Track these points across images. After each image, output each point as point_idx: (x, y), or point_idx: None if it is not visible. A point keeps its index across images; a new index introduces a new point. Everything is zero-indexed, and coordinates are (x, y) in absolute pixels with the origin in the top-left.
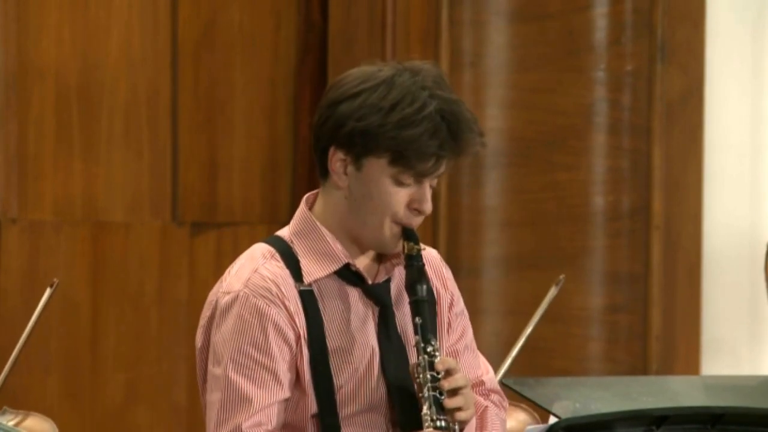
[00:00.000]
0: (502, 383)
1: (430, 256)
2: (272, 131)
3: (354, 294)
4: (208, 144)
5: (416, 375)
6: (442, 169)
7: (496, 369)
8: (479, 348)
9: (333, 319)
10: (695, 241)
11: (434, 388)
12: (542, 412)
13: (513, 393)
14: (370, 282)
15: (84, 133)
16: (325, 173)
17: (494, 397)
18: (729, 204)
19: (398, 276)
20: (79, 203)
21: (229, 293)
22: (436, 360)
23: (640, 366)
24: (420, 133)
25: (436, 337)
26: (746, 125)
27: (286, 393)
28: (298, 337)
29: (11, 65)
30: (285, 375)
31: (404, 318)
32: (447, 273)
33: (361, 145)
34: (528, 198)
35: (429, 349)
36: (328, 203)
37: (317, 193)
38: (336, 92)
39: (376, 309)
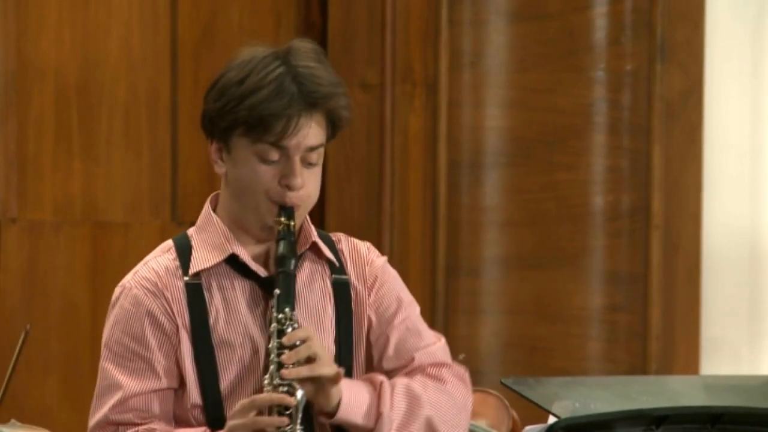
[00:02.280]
0: (502, 383)
1: (355, 250)
2: None
3: (246, 287)
4: (207, 144)
5: (268, 343)
6: (303, 133)
7: None
8: (479, 347)
9: (219, 311)
10: (695, 240)
11: (278, 355)
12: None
13: (513, 393)
14: (262, 274)
15: (84, 132)
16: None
17: (430, 370)
18: (729, 204)
19: (305, 269)
20: (79, 203)
21: (120, 286)
22: (288, 330)
23: (639, 366)
24: (264, 96)
25: (293, 309)
26: (746, 125)
27: (163, 383)
28: (177, 329)
29: (11, 65)
30: (161, 365)
31: (306, 311)
32: (372, 266)
33: (220, 126)
34: (528, 198)
35: (280, 317)
36: (221, 197)
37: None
38: (207, 89)
39: (269, 302)
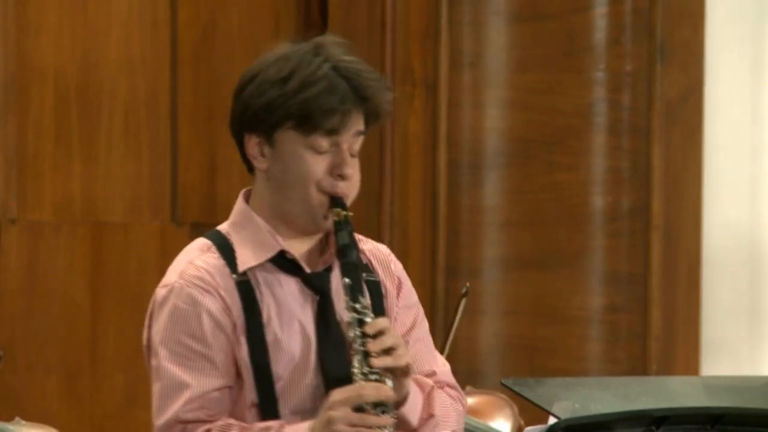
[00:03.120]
0: (502, 384)
1: (377, 250)
2: None
3: (292, 283)
4: (207, 144)
5: (348, 335)
6: (354, 127)
7: None
8: (479, 348)
9: (270, 309)
10: (695, 241)
11: (363, 344)
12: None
13: (513, 393)
14: (308, 270)
15: (83, 133)
16: (250, 165)
17: (449, 390)
18: (728, 204)
19: (339, 266)
20: (79, 204)
21: (165, 287)
22: (366, 319)
23: (639, 366)
24: (318, 92)
25: (365, 297)
26: (746, 125)
27: (225, 380)
28: (234, 327)
29: (11, 65)
30: (222, 363)
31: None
32: (395, 266)
33: (266, 121)
34: (527, 198)
35: (357, 306)
36: (257, 193)
37: (249, 190)
38: (238, 84)
39: (315, 298)
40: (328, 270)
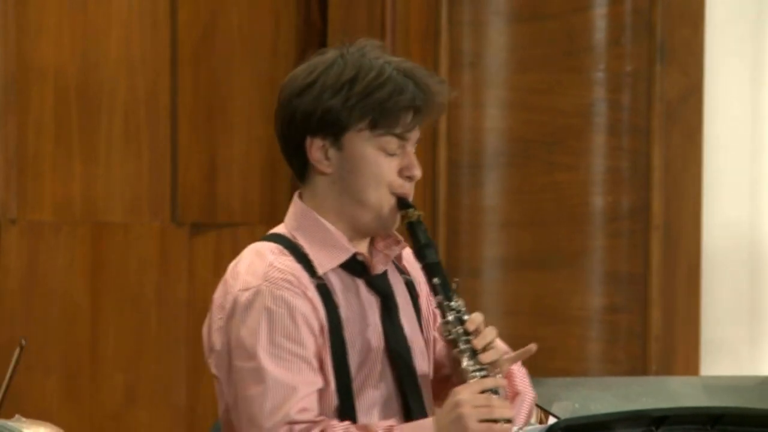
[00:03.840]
0: None
1: (407, 252)
2: (272, 132)
3: (359, 285)
4: (207, 144)
5: (446, 333)
6: (419, 126)
7: None
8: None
9: (346, 311)
10: (695, 241)
11: (467, 341)
12: None
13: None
14: (373, 273)
15: (83, 133)
16: (303, 170)
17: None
18: (728, 204)
19: (390, 268)
20: (79, 204)
21: (247, 290)
22: (465, 318)
23: (639, 366)
24: (389, 93)
25: (454, 294)
26: (746, 126)
27: (320, 382)
28: (321, 329)
29: (10, 66)
30: (316, 364)
31: (402, 309)
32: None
33: (335, 124)
34: (527, 198)
35: (454, 305)
36: (317, 195)
37: (301, 193)
38: (290, 89)
39: (378, 300)
40: (385, 272)
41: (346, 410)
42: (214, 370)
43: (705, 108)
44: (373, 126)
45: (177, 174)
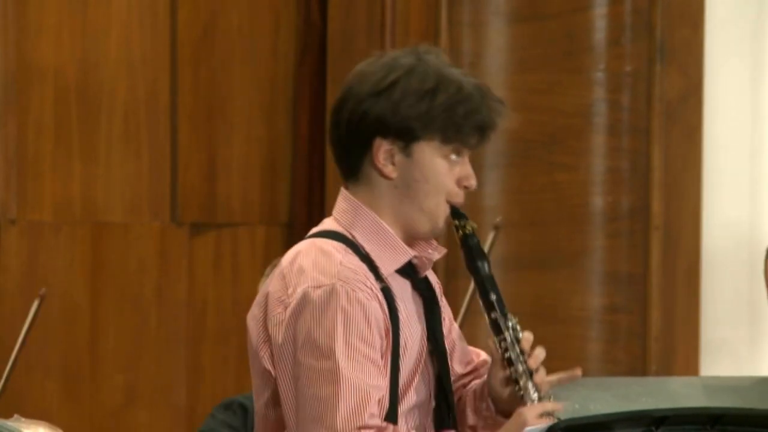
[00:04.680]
0: None
1: None
2: (271, 131)
3: (407, 287)
4: (207, 144)
5: (500, 350)
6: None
7: None
8: (478, 347)
9: (402, 313)
10: (694, 241)
11: (524, 361)
12: None
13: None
14: (421, 275)
15: (83, 133)
16: (356, 167)
17: None
18: (728, 204)
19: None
20: (79, 204)
21: (320, 287)
22: (521, 336)
23: (639, 367)
24: (467, 111)
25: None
26: (745, 126)
27: (386, 385)
28: (387, 331)
29: (10, 66)
30: (382, 367)
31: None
32: None
33: (412, 131)
34: (527, 198)
35: (510, 324)
36: (373, 197)
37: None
38: (366, 86)
39: (421, 303)
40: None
41: (391, 412)
42: (267, 364)
43: (705, 108)
44: (445, 139)
45: (177, 174)
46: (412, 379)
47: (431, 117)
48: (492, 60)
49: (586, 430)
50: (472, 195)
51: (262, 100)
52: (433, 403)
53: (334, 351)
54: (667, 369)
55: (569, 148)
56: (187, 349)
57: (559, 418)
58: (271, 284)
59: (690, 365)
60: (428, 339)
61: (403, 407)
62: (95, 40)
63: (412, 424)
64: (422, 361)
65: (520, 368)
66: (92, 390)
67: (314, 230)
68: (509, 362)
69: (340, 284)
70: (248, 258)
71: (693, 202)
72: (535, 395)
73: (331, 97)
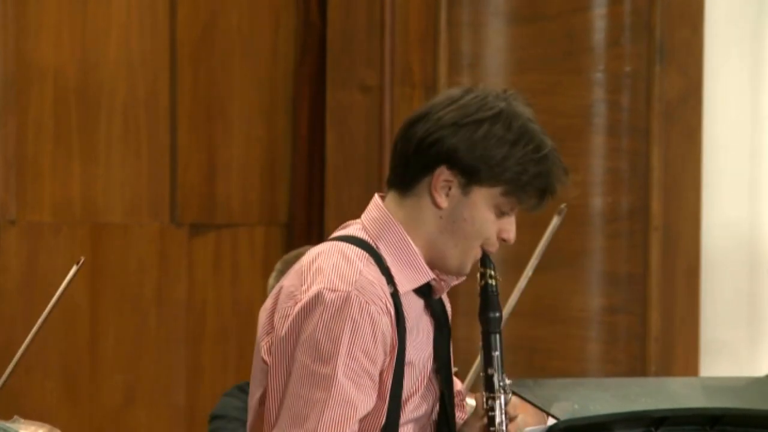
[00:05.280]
0: None
1: None
2: (271, 132)
3: (420, 306)
4: (206, 145)
5: (486, 407)
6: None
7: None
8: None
9: (409, 330)
10: (694, 242)
11: (505, 425)
12: None
13: (512, 394)
14: (436, 297)
15: (83, 134)
16: (410, 183)
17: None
18: (728, 205)
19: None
20: (78, 204)
21: (335, 291)
22: (509, 398)
23: (638, 367)
24: (538, 172)
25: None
26: (745, 126)
27: (374, 402)
28: (393, 347)
29: (10, 66)
30: (377, 383)
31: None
32: None
33: (478, 173)
34: None
35: (505, 385)
36: (416, 216)
37: (383, 196)
38: (452, 113)
39: (432, 322)
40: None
41: (390, 423)
42: (264, 354)
43: (704, 108)
44: (506, 192)
45: (176, 174)
46: (415, 393)
47: (503, 168)
48: (491, 60)
49: (586, 430)
50: None
51: (262, 100)
52: (434, 418)
53: (335, 359)
54: (666, 369)
55: (569, 148)
56: (186, 349)
57: (559, 419)
58: (287, 279)
59: (690, 366)
60: (434, 358)
61: (401, 419)
62: (95, 41)
63: None
64: (426, 378)
65: (498, 429)
66: (92, 390)
67: (338, 233)
68: (491, 421)
69: (355, 293)
70: (248, 258)
71: (693, 202)
72: None
73: (331, 97)
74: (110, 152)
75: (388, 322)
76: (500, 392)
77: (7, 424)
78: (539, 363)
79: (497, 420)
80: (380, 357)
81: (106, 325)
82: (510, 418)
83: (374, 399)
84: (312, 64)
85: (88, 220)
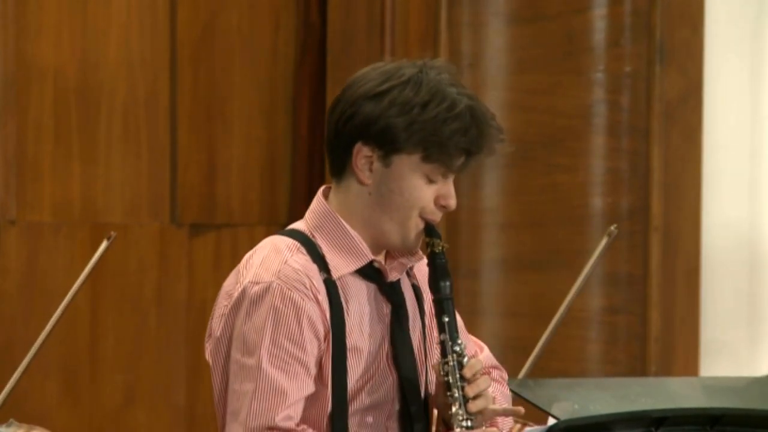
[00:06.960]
0: None
1: (423, 264)
2: (271, 132)
3: (371, 290)
4: (206, 145)
5: (442, 373)
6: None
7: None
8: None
9: (353, 315)
10: (694, 242)
11: (462, 388)
12: None
13: (512, 394)
14: (388, 280)
15: (83, 134)
16: (341, 169)
17: (494, 373)
18: (728, 205)
19: (404, 278)
20: (78, 205)
21: (258, 283)
22: (464, 361)
23: (638, 367)
24: (454, 131)
25: (459, 336)
26: (745, 126)
27: (312, 388)
28: (327, 332)
29: (10, 66)
30: (313, 369)
31: (411, 320)
32: (423, 261)
33: (392, 142)
34: (527, 199)
35: (457, 348)
36: (347, 199)
37: (330, 188)
38: (361, 89)
39: (389, 307)
40: (398, 280)
41: (339, 414)
42: (207, 356)
43: (704, 108)
44: (426, 157)
45: (176, 175)
46: (367, 380)
47: (415, 130)
48: (491, 61)
49: (586, 430)
50: (471, 196)
51: (262, 100)
52: (398, 406)
53: (259, 348)
54: (666, 370)
55: (569, 149)
56: (187, 349)
57: (559, 419)
58: (228, 278)
59: (690, 366)
60: (392, 344)
61: (354, 407)
62: (95, 41)
63: (368, 423)
64: (382, 365)
65: (456, 394)
66: (92, 390)
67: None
68: (447, 386)
69: (276, 282)
70: None
71: (692, 202)
72: (466, 423)
73: (331, 98)
74: (110, 152)
75: (316, 308)
76: (452, 355)
77: (3, 429)
78: (539, 363)
79: (451, 381)
80: (312, 343)
81: (106, 325)
82: (468, 381)
83: (311, 384)
84: (312, 64)
85: (88, 220)
